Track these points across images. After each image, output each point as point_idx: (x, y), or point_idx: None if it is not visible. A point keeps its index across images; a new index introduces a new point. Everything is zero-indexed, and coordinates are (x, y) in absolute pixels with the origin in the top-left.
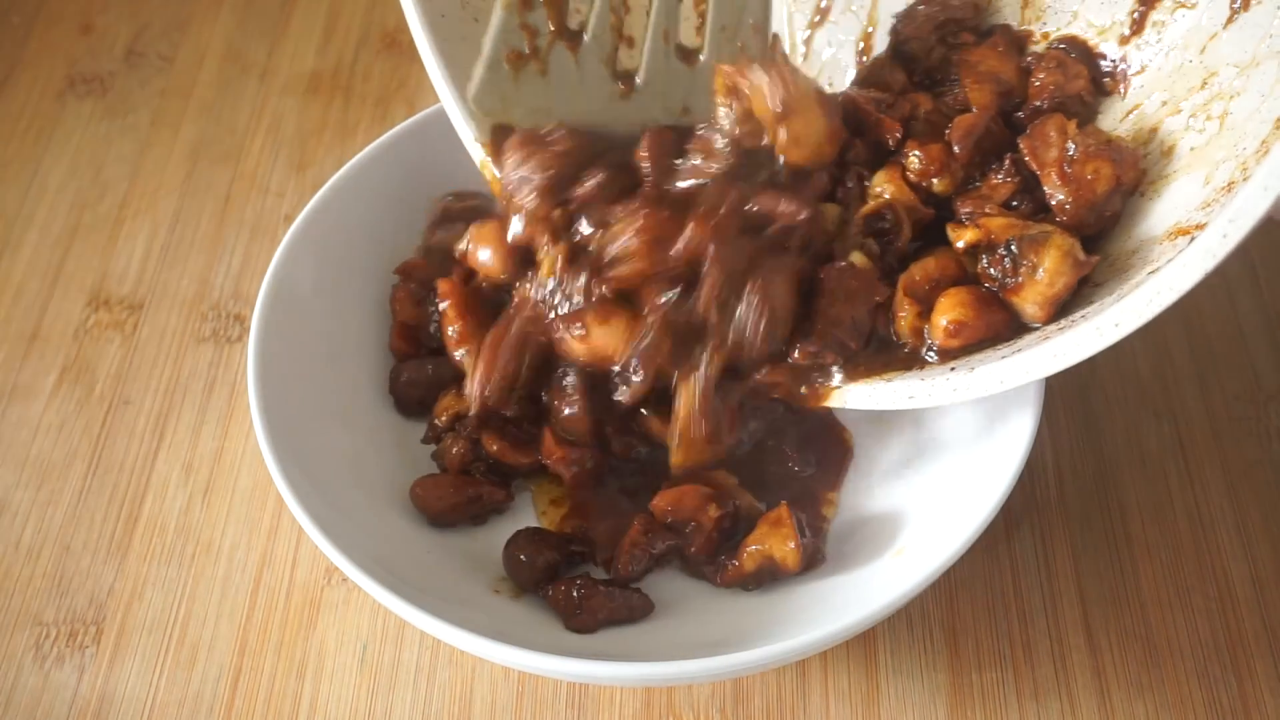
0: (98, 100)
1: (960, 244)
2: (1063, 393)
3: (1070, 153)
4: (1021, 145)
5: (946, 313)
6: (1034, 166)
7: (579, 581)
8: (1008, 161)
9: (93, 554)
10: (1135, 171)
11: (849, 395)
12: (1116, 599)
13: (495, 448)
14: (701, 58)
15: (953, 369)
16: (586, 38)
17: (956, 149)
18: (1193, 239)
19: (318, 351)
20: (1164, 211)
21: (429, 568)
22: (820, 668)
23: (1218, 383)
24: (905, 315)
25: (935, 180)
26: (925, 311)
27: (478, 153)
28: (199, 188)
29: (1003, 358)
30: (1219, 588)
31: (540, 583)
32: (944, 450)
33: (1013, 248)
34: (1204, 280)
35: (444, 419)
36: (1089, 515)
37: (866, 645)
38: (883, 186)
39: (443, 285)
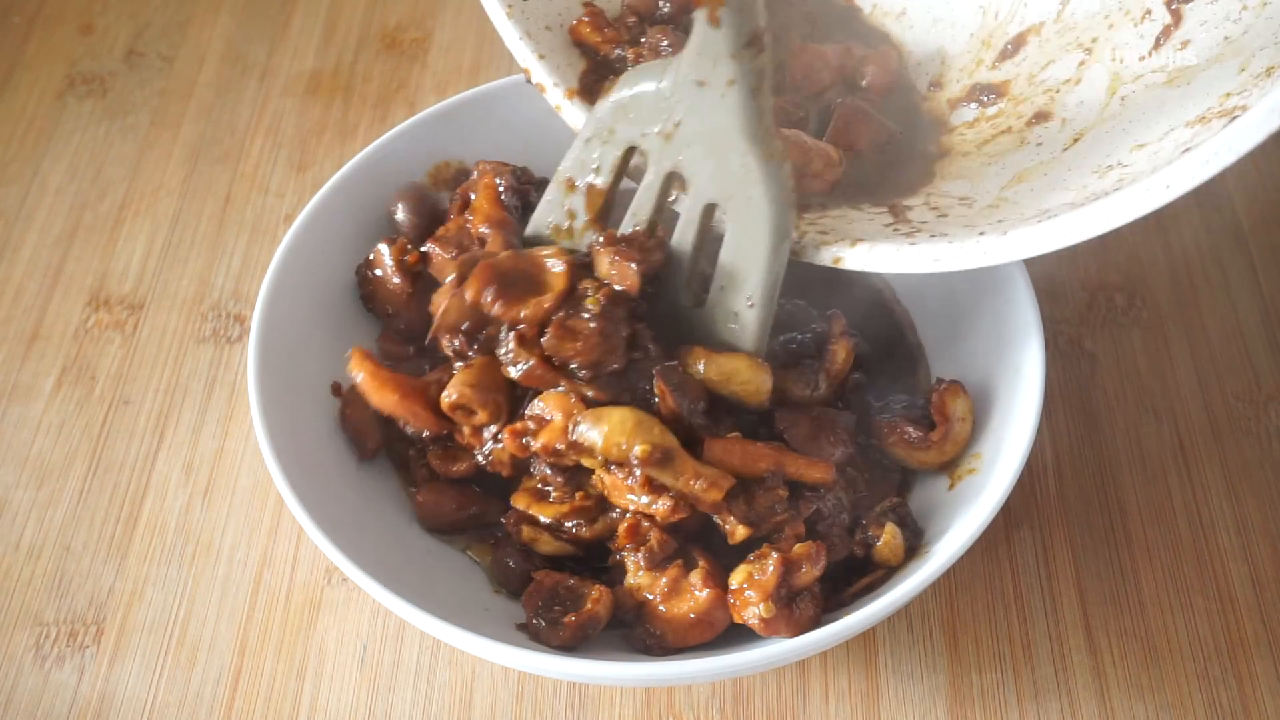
0: (98, 100)
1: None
2: (1063, 392)
3: None
4: None
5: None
6: None
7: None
8: None
9: (93, 554)
10: None
11: (867, 256)
12: (1116, 599)
13: (436, 462)
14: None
15: (982, 233)
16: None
17: None
18: (1235, 117)
19: (318, 351)
20: (1193, 99)
21: (429, 568)
22: (820, 668)
23: (1218, 383)
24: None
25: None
26: None
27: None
28: (199, 188)
29: (1038, 221)
30: (1219, 588)
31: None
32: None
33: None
34: (1260, 146)
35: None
36: (1089, 515)
37: (866, 645)
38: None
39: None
